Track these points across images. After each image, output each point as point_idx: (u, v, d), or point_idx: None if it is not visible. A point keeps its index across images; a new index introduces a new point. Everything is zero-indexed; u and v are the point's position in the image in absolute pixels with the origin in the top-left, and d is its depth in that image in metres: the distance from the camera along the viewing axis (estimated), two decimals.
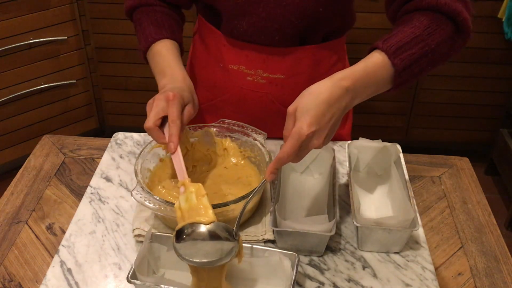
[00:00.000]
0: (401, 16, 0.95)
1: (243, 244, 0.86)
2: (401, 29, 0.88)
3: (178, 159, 0.90)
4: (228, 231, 0.81)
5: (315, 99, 0.79)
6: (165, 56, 1.04)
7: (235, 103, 1.19)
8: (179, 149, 0.91)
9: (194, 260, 0.78)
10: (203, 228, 0.80)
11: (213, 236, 0.80)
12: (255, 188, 0.86)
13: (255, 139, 1.04)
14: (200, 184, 0.85)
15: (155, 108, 0.91)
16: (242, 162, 1.07)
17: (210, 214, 0.82)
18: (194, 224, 0.81)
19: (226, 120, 1.07)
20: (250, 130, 1.06)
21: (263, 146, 1.02)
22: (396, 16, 0.98)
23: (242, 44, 1.12)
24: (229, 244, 0.79)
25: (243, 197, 0.89)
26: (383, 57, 0.86)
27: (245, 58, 1.13)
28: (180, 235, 0.80)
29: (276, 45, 1.10)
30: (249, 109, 1.19)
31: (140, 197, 0.88)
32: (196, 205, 0.83)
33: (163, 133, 0.92)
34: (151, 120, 0.91)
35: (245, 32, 1.09)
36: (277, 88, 1.15)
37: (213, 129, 1.07)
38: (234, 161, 1.07)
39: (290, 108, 0.82)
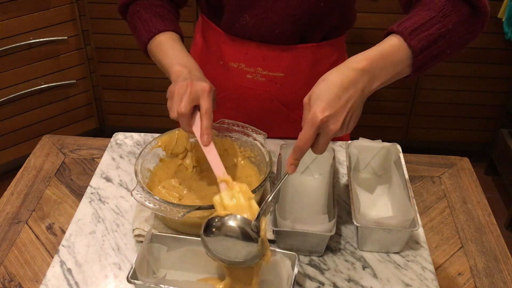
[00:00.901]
0: (416, 2, 0.93)
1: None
2: (416, 12, 0.86)
3: (214, 153, 0.89)
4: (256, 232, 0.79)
5: (328, 84, 0.78)
6: (175, 46, 1.02)
7: (235, 100, 1.19)
8: (212, 143, 0.89)
9: (222, 257, 0.79)
10: (232, 223, 0.79)
11: (243, 234, 0.78)
12: (279, 182, 0.84)
13: (255, 139, 1.04)
14: (246, 185, 0.84)
15: (189, 95, 0.89)
16: (242, 162, 1.07)
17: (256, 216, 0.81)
18: (223, 218, 0.79)
19: (226, 120, 1.07)
20: (250, 130, 1.06)
21: (263, 146, 1.02)
22: (410, 2, 0.95)
23: (242, 41, 1.12)
24: (254, 246, 0.78)
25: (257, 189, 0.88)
26: (399, 39, 0.83)
27: (244, 56, 1.13)
28: (208, 227, 0.79)
29: (276, 41, 1.10)
30: (249, 107, 1.19)
31: (140, 197, 0.88)
32: (244, 207, 0.81)
33: (192, 121, 0.90)
34: (186, 106, 0.89)
35: (247, 24, 1.09)
36: (276, 86, 1.15)
37: (213, 130, 1.07)
38: (234, 161, 1.07)
39: (305, 99, 0.80)
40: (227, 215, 0.80)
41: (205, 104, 0.90)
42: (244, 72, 1.15)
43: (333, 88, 0.77)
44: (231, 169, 1.06)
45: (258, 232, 0.79)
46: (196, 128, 0.91)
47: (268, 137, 1.06)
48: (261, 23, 1.07)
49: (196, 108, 0.92)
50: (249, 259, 0.79)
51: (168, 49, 1.01)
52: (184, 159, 1.05)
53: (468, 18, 0.88)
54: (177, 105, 0.90)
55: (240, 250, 0.79)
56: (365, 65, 0.79)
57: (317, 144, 0.80)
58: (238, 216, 0.79)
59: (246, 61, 1.13)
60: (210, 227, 0.79)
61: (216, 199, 0.83)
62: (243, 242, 0.78)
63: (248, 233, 0.78)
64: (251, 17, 1.07)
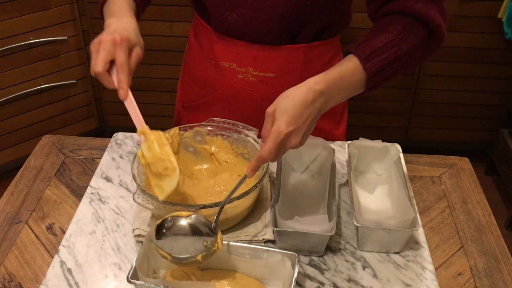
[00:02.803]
0: (379, 17, 0.98)
1: (243, 244, 0.87)
2: (375, 34, 0.92)
3: (132, 106, 0.92)
4: (207, 226, 0.84)
5: (292, 101, 0.83)
6: (118, 4, 1.04)
7: (226, 100, 1.19)
8: (130, 95, 0.92)
9: (175, 255, 0.82)
10: (183, 222, 0.84)
11: (194, 230, 0.83)
12: (238, 185, 0.87)
13: (247, 136, 1.04)
14: (160, 132, 0.89)
15: (102, 52, 0.91)
16: (235, 159, 1.07)
17: (173, 163, 0.87)
18: (174, 218, 0.84)
19: (216, 119, 1.07)
20: (241, 127, 1.06)
21: (256, 142, 1.02)
22: (375, 17, 1.01)
23: (233, 41, 1.12)
24: (209, 239, 0.83)
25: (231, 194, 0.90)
26: (355, 61, 0.89)
27: (236, 56, 1.13)
28: (160, 229, 0.83)
29: (265, 40, 1.10)
30: (240, 107, 1.19)
31: (143, 200, 0.88)
32: (160, 154, 0.87)
33: (111, 78, 0.93)
34: (99, 64, 0.91)
35: (235, 23, 1.09)
36: (267, 86, 1.15)
37: (204, 129, 1.07)
38: (226, 159, 1.07)
39: (269, 109, 0.85)
40: (155, 160, 0.87)
41: (119, 55, 0.92)
42: (236, 72, 1.15)
43: (297, 106, 0.83)
44: (224, 166, 1.06)
45: (216, 233, 0.84)
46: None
47: (260, 136, 1.06)
48: (250, 22, 1.08)
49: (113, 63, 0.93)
50: (201, 261, 0.83)
51: (114, 7, 1.04)
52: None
53: (424, 41, 0.93)
54: (93, 64, 0.92)
55: (194, 251, 0.83)
56: (323, 87, 0.86)
57: (275, 155, 0.85)
58: (193, 216, 0.84)
59: (237, 61, 1.14)
60: (162, 229, 0.83)
61: (138, 153, 0.89)
62: (197, 244, 0.83)
63: (204, 235, 0.83)
64: (239, 16, 1.08)
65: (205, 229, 0.84)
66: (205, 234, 0.83)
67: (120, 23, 0.98)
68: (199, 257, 0.82)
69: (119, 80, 0.91)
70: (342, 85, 0.88)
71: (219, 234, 0.84)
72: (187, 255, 0.82)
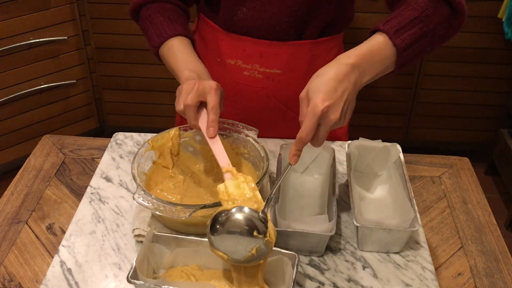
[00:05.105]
0: (398, 1, 0.98)
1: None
2: (400, 12, 0.92)
3: (219, 145, 0.91)
4: (256, 217, 0.80)
5: (324, 77, 0.82)
6: (184, 51, 1.04)
7: (232, 97, 1.19)
8: (218, 136, 0.92)
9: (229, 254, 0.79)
10: (239, 216, 0.80)
11: (250, 226, 0.79)
12: (283, 173, 0.85)
13: (247, 136, 1.04)
14: (250, 177, 0.85)
15: (196, 91, 0.92)
16: (235, 159, 1.07)
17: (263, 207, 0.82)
18: (229, 212, 0.80)
19: None
20: (241, 127, 1.06)
21: (256, 142, 1.02)
22: (394, 1, 1.01)
23: (240, 37, 1.13)
24: (261, 240, 0.79)
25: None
26: (384, 37, 0.89)
27: (242, 53, 1.14)
28: (214, 224, 0.80)
29: (273, 35, 1.11)
30: (246, 104, 1.20)
31: (143, 200, 0.88)
32: (249, 197, 0.82)
33: (197, 114, 0.93)
34: (193, 99, 0.91)
35: (244, 18, 1.10)
36: (273, 83, 1.15)
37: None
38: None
39: (302, 93, 0.84)
40: (233, 207, 0.80)
41: (212, 100, 0.92)
42: (241, 69, 1.15)
43: (330, 81, 0.81)
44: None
45: (265, 223, 0.79)
46: (202, 123, 0.93)
47: (266, 137, 1.06)
48: (258, 15, 1.09)
49: (202, 104, 0.94)
50: (256, 255, 0.79)
51: (178, 54, 1.04)
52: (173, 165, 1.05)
53: (448, 18, 0.93)
54: (184, 99, 0.92)
55: (247, 245, 0.79)
56: (355, 61, 0.84)
57: (317, 135, 0.83)
58: (245, 208, 0.80)
59: (244, 58, 1.14)
60: (216, 223, 0.80)
61: (221, 187, 0.84)
62: (249, 238, 0.79)
63: (256, 225, 0.79)
64: (249, 9, 1.09)
65: (255, 220, 0.79)
66: (254, 227, 0.79)
67: (202, 76, 0.99)
68: (253, 251, 0.79)
69: (212, 120, 0.91)
70: (373, 59, 0.87)
71: (270, 223, 0.80)
72: (242, 252, 0.79)
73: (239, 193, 0.82)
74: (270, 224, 0.80)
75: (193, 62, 1.02)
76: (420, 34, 0.90)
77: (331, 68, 0.83)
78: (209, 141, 0.91)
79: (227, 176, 0.86)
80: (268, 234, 0.79)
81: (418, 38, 0.90)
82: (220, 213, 0.81)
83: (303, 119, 0.82)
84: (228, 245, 0.80)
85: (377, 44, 0.89)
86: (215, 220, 0.80)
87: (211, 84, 0.93)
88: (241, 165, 1.06)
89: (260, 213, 0.80)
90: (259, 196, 0.82)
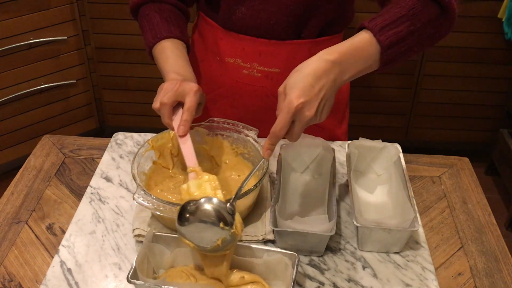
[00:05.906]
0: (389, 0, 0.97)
1: (243, 244, 0.86)
2: (387, 9, 0.91)
3: (188, 145, 0.91)
4: (224, 209, 0.81)
5: (302, 73, 0.82)
6: (176, 54, 1.05)
7: (231, 96, 1.20)
8: (188, 135, 0.92)
9: (196, 243, 0.80)
10: (207, 207, 0.81)
11: (218, 216, 0.80)
12: (256, 167, 0.86)
13: (247, 136, 1.04)
14: (215, 176, 0.86)
15: (176, 91, 0.92)
16: (235, 159, 1.07)
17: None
18: (197, 202, 0.81)
19: (216, 119, 1.07)
20: (241, 127, 1.06)
21: (256, 142, 1.02)
22: (385, 0, 1.00)
23: (239, 36, 1.13)
24: (227, 232, 0.80)
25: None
26: (369, 35, 0.87)
27: (241, 51, 1.14)
28: (182, 214, 0.81)
29: (272, 34, 1.11)
30: (245, 103, 1.20)
31: (143, 200, 0.88)
32: (210, 195, 0.83)
33: (172, 113, 0.93)
34: (170, 97, 0.92)
35: (243, 16, 1.10)
36: (272, 82, 1.15)
37: (203, 129, 1.07)
38: (226, 159, 1.07)
39: (280, 88, 0.84)
40: (202, 198, 0.82)
41: (189, 101, 0.92)
42: (240, 67, 1.15)
43: (307, 77, 0.81)
44: (224, 167, 1.06)
45: (233, 215, 0.80)
46: (175, 122, 0.93)
47: (266, 137, 1.06)
48: (257, 14, 1.09)
49: (180, 105, 0.94)
50: (221, 246, 0.80)
51: (169, 56, 1.04)
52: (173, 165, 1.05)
53: (437, 18, 0.91)
54: (161, 97, 0.92)
55: (213, 236, 0.80)
56: (336, 57, 0.83)
57: (292, 131, 0.83)
58: (213, 199, 0.81)
59: (243, 57, 1.14)
60: (185, 212, 0.81)
61: (184, 187, 0.85)
62: (216, 228, 0.80)
63: (223, 216, 0.80)
64: (247, 8, 1.09)
65: (223, 211, 0.80)
66: (221, 218, 0.80)
67: (187, 80, 0.98)
68: (219, 242, 0.80)
69: (184, 119, 0.92)
70: (356, 56, 0.86)
71: (237, 216, 0.81)
72: (208, 241, 0.80)
73: (200, 192, 0.83)
74: (237, 216, 0.81)
75: (181, 66, 1.02)
76: (406, 33, 0.88)
77: (310, 64, 0.82)
78: (179, 140, 0.92)
79: (191, 176, 0.87)
80: (234, 226, 0.80)
81: (405, 37, 0.88)
82: (188, 202, 0.82)
83: (278, 113, 0.82)
84: (195, 234, 0.81)
85: (361, 41, 0.87)
86: (183, 209, 0.81)
87: (191, 86, 0.93)
88: (241, 165, 1.06)
89: (228, 205, 0.81)
90: (220, 194, 0.83)
